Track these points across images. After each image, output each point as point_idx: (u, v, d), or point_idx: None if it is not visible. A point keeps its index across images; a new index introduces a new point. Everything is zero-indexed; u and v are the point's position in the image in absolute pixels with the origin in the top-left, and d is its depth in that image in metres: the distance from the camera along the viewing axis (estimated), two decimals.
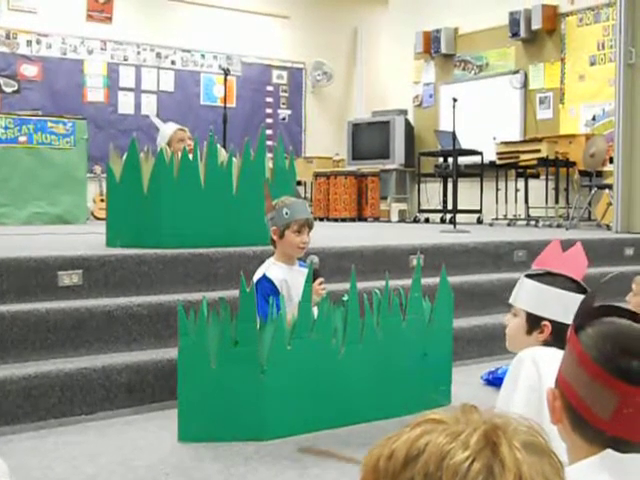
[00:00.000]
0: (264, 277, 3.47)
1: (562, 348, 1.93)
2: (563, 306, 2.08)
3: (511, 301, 2.26)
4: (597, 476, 1.18)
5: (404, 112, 11.06)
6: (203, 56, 11.03)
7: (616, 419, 1.20)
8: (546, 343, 2.11)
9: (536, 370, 1.91)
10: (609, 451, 1.19)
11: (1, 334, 3.39)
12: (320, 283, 3.39)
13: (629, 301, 3.75)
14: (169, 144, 5.49)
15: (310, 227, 3.59)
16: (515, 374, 1.99)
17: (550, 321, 2.13)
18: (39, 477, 2.64)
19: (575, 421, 1.26)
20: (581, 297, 2.09)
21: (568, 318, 2.11)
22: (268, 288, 3.41)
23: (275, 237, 3.54)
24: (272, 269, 3.52)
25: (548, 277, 2.20)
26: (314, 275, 3.36)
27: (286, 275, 3.50)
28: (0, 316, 3.41)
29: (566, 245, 2.30)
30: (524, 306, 2.20)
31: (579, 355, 1.27)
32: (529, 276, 2.24)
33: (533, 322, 2.17)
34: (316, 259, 3.54)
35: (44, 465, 2.75)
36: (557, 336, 2.07)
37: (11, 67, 9.62)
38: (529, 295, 2.20)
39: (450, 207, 8.57)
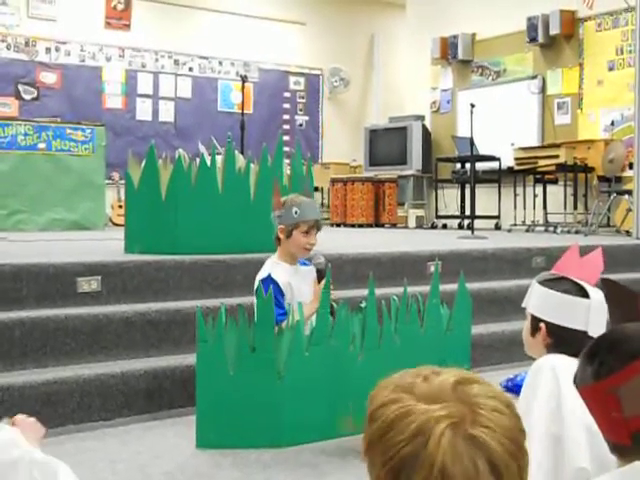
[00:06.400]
0: (269, 278, 3.39)
1: (564, 353, 1.96)
2: (561, 309, 2.14)
3: (523, 304, 2.32)
4: None
5: (421, 118, 11.04)
6: (220, 63, 11.07)
7: None
8: (549, 347, 2.12)
9: (554, 377, 1.91)
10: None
11: (20, 340, 3.41)
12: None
13: None
14: None
15: (319, 229, 3.51)
16: (533, 382, 2.00)
17: (546, 323, 2.15)
18: None
19: None
20: (580, 301, 2.11)
21: (566, 321, 2.13)
22: (273, 289, 3.37)
23: (281, 236, 3.45)
24: (276, 270, 3.43)
25: (552, 281, 2.22)
26: (319, 275, 3.36)
27: (291, 277, 3.44)
28: (20, 322, 3.43)
29: (584, 252, 2.29)
30: (529, 309, 2.25)
31: None
32: (540, 282, 2.27)
33: (535, 324, 2.20)
34: (322, 258, 3.51)
35: None
36: (557, 340, 2.11)
37: (30, 74, 9.69)
38: (534, 298, 2.25)
39: (468, 213, 8.54)
